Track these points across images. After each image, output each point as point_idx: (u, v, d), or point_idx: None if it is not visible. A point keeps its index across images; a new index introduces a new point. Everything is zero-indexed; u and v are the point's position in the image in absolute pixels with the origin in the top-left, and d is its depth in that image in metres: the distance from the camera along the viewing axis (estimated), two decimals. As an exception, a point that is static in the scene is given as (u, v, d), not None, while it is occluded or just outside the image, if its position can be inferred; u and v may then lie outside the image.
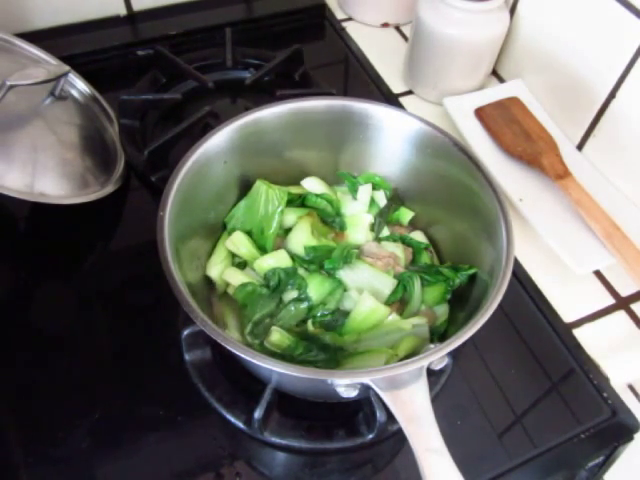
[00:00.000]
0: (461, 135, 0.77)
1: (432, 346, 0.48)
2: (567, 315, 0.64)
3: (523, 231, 0.69)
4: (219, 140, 0.56)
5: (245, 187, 0.61)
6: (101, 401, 0.55)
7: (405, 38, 0.97)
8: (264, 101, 0.60)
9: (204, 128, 0.74)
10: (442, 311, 0.58)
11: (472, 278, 0.56)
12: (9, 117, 0.62)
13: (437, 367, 0.45)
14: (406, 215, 0.65)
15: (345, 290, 0.57)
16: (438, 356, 0.42)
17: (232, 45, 0.85)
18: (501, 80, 0.89)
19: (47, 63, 0.73)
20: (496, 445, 0.55)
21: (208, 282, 0.59)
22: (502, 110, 0.80)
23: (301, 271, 0.57)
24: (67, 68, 0.68)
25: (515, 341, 0.62)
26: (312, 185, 0.64)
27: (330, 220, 0.64)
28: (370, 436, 0.53)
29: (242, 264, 0.60)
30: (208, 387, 0.55)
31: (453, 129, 0.78)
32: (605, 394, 0.58)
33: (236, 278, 0.58)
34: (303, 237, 0.59)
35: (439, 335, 0.56)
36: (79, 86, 0.75)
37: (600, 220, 0.67)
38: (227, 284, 0.59)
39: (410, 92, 0.88)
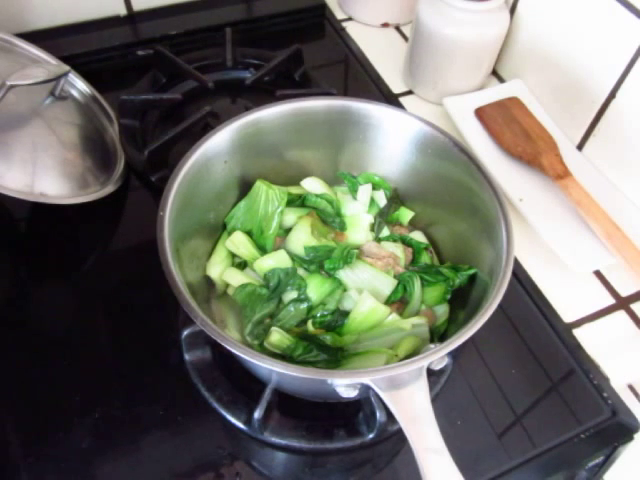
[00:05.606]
0: (461, 135, 0.77)
1: (432, 346, 0.48)
2: (567, 315, 0.64)
3: (523, 231, 0.69)
4: (219, 140, 0.56)
5: (245, 187, 0.61)
6: (101, 401, 0.55)
7: (405, 38, 0.97)
8: (264, 101, 0.60)
9: (204, 128, 0.74)
10: (442, 311, 0.58)
11: (472, 278, 0.56)
12: (9, 117, 0.62)
13: (437, 367, 0.45)
14: (406, 215, 0.65)
15: (345, 290, 0.57)
16: (438, 356, 0.42)
17: (232, 45, 0.85)
18: (501, 80, 0.89)
19: (47, 63, 0.73)
20: (496, 445, 0.55)
21: (208, 282, 0.59)
22: (502, 110, 0.80)
23: (301, 271, 0.57)
24: (67, 68, 0.68)
25: (515, 341, 0.62)
26: (312, 185, 0.64)
27: (330, 220, 0.64)
28: (370, 436, 0.53)
29: (242, 264, 0.60)
30: (208, 387, 0.55)
31: (453, 129, 0.78)
32: (605, 394, 0.58)
33: (236, 279, 0.58)
34: (303, 237, 0.58)
35: (439, 335, 0.56)
36: (79, 86, 0.75)
37: (600, 220, 0.67)
38: (227, 284, 0.59)
39: (410, 92, 0.88)
